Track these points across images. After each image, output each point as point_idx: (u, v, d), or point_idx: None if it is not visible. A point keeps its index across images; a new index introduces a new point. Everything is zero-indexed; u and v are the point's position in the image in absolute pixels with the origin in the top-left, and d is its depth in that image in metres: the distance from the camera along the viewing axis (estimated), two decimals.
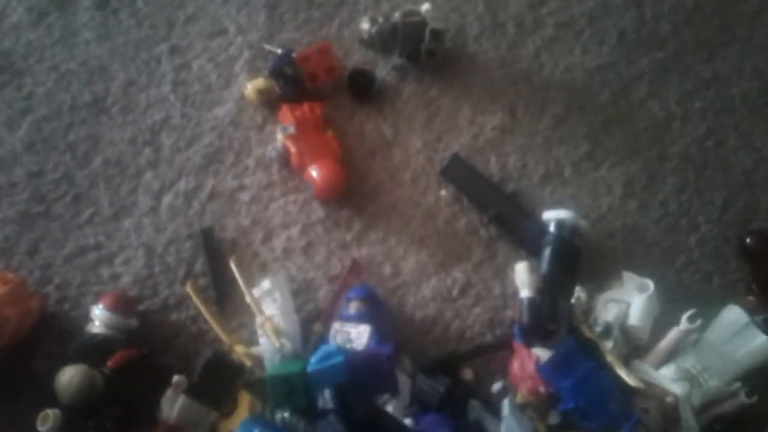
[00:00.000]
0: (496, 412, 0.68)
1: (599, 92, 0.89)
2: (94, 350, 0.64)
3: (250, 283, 0.72)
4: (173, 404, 0.64)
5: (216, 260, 0.75)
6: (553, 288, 0.71)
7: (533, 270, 0.72)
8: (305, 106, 0.79)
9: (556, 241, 0.73)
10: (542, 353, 0.69)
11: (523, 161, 0.83)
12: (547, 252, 0.73)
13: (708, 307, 0.74)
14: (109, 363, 0.62)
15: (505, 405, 0.68)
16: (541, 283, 0.71)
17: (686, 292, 0.78)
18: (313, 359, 0.63)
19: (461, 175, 0.80)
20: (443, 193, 0.80)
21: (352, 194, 0.80)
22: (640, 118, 0.88)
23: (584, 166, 0.84)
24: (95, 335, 0.66)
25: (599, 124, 0.87)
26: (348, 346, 0.67)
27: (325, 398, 0.59)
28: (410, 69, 0.87)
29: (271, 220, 0.78)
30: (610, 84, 0.89)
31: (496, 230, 0.79)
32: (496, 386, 0.70)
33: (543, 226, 0.76)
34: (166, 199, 0.78)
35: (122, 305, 0.69)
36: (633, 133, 0.87)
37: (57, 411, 0.58)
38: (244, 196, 0.79)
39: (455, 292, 0.77)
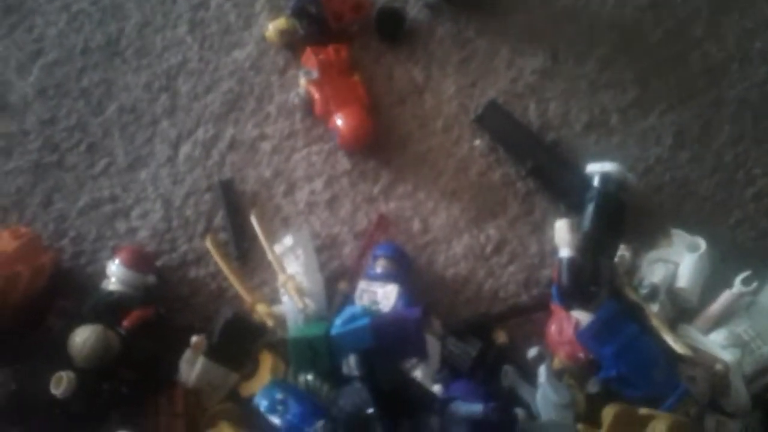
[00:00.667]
0: (531, 379, 0.65)
1: (650, 32, 0.81)
2: (110, 309, 0.61)
3: (272, 238, 0.68)
4: (192, 366, 0.62)
5: (236, 214, 0.71)
6: (596, 247, 0.66)
7: (574, 227, 0.66)
8: (330, 49, 0.74)
9: (600, 196, 0.67)
10: (582, 316, 0.64)
11: (565, 108, 0.77)
12: (590, 208, 0.67)
13: (763, 268, 0.68)
14: (125, 323, 0.60)
15: (542, 371, 0.64)
16: (582, 242, 0.66)
17: (740, 252, 0.73)
18: (338, 321, 0.59)
19: (498, 123, 0.74)
20: (477, 142, 0.75)
21: (380, 144, 0.75)
22: (694, 60, 0.80)
23: (632, 113, 0.78)
24: (111, 293, 0.63)
25: (650, 67, 0.79)
26: (375, 306, 0.63)
27: (350, 365, 0.56)
28: (444, 7, 0.80)
29: (293, 171, 0.74)
30: (663, 23, 0.81)
31: (534, 184, 0.73)
32: (532, 351, 0.66)
33: (586, 180, 0.70)
34: (184, 149, 0.74)
35: (139, 261, 0.65)
36: (686, 77, 0.79)
37: (71, 373, 0.55)
38: (266, 146, 0.75)
39: (489, 250, 0.72)
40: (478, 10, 0.80)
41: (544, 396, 0.63)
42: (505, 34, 0.79)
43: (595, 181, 0.69)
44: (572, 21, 0.81)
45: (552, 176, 0.72)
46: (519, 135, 0.74)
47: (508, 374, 0.64)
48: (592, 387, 0.63)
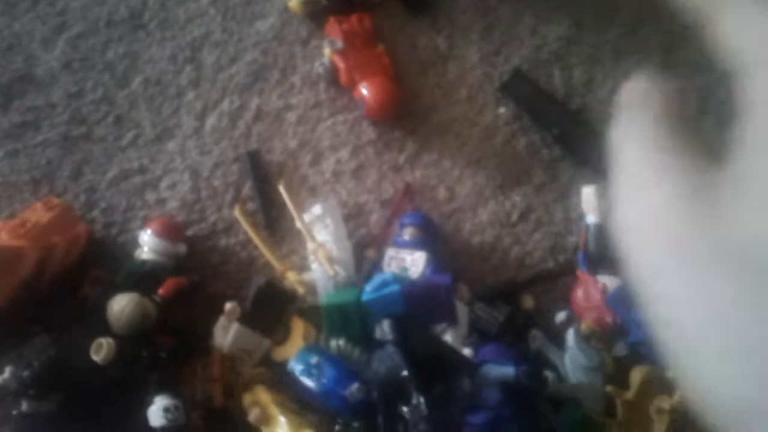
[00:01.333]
0: (558, 343, 0.66)
1: None
2: (144, 278, 0.63)
3: (300, 207, 0.69)
4: (226, 332, 0.63)
5: (264, 184, 0.72)
6: None
7: (601, 193, 0.67)
8: (354, 18, 0.73)
9: None
10: (608, 281, 0.65)
11: (589, 74, 0.77)
12: None
13: None
14: (161, 291, 0.61)
15: (570, 335, 0.65)
16: (609, 208, 0.66)
17: None
18: (368, 288, 0.60)
19: (523, 91, 0.74)
20: (502, 110, 0.75)
21: (404, 113, 0.75)
22: None
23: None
24: (144, 262, 0.64)
25: (675, 32, 0.79)
26: (404, 273, 0.64)
27: (384, 329, 0.57)
28: None
29: (319, 141, 0.74)
30: None
31: (560, 151, 0.74)
32: (561, 315, 0.67)
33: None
34: (210, 120, 0.74)
35: (170, 230, 0.66)
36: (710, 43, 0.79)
37: (111, 340, 0.57)
38: (291, 117, 0.75)
39: (514, 217, 0.73)
40: None
41: (573, 359, 0.64)
42: (528, 1, 0.79)
43: None
44: None
45: (578, 142, 0.72)
46: (544, 102, 0.74)
47: (537, 339, 0.65)
48: (620, 351, 0.64)
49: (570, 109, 0.75)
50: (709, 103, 0.50)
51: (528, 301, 0.68)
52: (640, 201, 0.26)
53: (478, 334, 0.65)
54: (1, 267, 0.57)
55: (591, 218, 0.66)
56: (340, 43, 0.72)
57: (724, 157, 0.27)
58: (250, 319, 0.64)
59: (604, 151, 0.67)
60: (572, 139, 0.72)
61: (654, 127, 0.28)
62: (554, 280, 0.70)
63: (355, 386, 0.56)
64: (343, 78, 0.73)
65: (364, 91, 0.72)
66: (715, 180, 0.25)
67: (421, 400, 0.53)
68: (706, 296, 0.23)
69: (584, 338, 0.65)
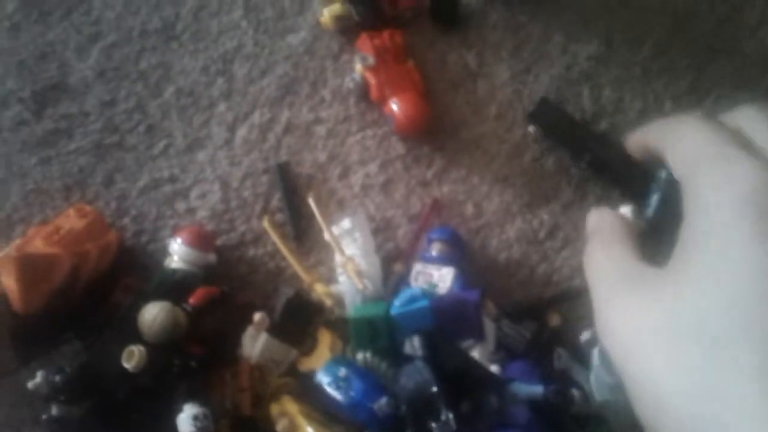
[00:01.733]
0: (583, 361, 0.65)
1: (705, 17, 0.81)
2: (175, 286, 0.63)
3: (329, 220, 0.69)
4: (255, 342, 0.64)
5: (293, 196, 0.73)
6: (660, 234, 0.66)
7: (635, 214, 0.67)
8: (385, 34, 0.74)
9: (667, 184, 0.67)
10: None
11: (619, 94, 0.77)
12: (655, 197, 0.67)
13: None
14: (191, 300, 0.61)
15: (595, 354, 0.65)
16: (646, 229, 0.66)
17: None
18: (397, 302, 0.61)
19: (551, 119, 0.74)
20: (532, 128, 0.75)
21: (433, 129, 0.75)
22: (749, 47, 0.80)
23: (686, 100, 0.77)
24: (175, 271, 0.65)
25: (704, 53, 0.79)
26: (433, 288, 0.64)
27: (414, 345, 0.57)
28: None
29: (348, 155, 0.75)
30: (717, 9, 0.81)
31: (592, 175, 0.74)
32: (585, 335, 0.66)
33: (647, 169, 0.69)
34: (241, 132, 0.75)
35: (200, 240, 0.67)
36: (742, 63, 0.79)
37: (142, 348, 0.57)
38: (321, 130, 0.76)
39: (542, 234, 0.73)
40: None
41: (598, 378, 0.64)
42: (559, 19, 0.79)
43: (663, 173, 0.68)
44: (626, 6, 0.80)
45: (608, 166, 0.72)
46: (572, 129, 0.74)
47: (562, 357, 0.65)
48: None
49: (596, 133, 0.74)
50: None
51: (555, 319, 0.68)
52: (610, 309, 0.37)
53: (506, 351, 0.65)
54: (36, 274, 0.58)
55: None
56: (371, 59, 0.73)
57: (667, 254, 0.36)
58: (278, 329, 0.64)
59: (634, 174, 0.66)
60: (602, 164, 0.71)
61: (611, 250, 0.42)
62: (581, 298, 0.70)
63: (384, 400, 0.56)
64: (374, 93, 0.73)
65: (394, 106, 0.72)
66: (664, 273, 0.35)
67: (450, 416, 0.53)
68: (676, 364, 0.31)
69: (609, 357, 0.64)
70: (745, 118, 0.38)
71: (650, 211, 0.66)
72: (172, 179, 0.74)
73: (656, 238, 0.66)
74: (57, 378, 0.58)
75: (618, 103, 0.77)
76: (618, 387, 0.64)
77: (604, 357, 0.65)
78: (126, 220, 0.72)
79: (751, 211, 0.31)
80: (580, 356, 0.66)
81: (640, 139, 0.49)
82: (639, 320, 0.34)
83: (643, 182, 0.66)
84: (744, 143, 0.35)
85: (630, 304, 0.35)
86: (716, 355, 0.29)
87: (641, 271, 0.37)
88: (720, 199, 0.33)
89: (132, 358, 0.57)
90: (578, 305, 0.70)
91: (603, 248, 0.43)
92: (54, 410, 0.58)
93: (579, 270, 0.72)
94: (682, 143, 0.38)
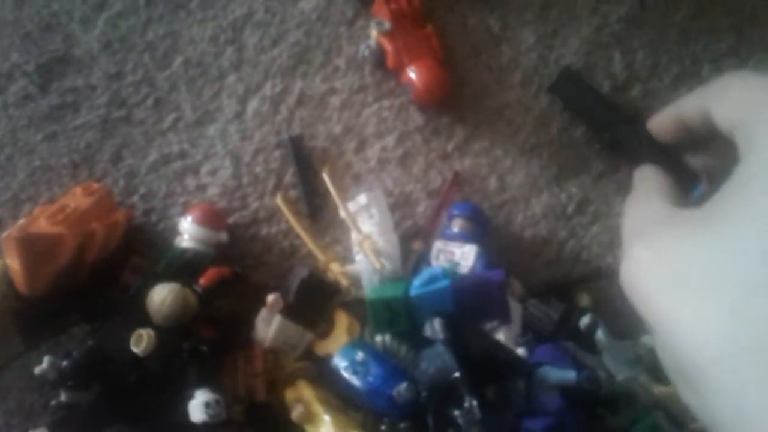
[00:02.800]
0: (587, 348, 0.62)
1: None
2: (185, 267, 0.61)
3: (344, 196, 0.66)
4: (268, 324, 0.61)
5: (307, 171, 0.69)
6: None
7: None
8: None
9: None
10: None
11: (653, 58, 0.72)
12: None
13: None
14: (202, 281, 0.59)
15: (600, 335, 0.62)
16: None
17: None
18: (416, 282, 0.57)
19: (573, 92, 0.69)
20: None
21: (454, 98, 0.71)
22: None
23: (726, 63, 0.72)
24: (185, 250, 0.62)
25: (746, 13, 0.74)
26: (456, 267, 0.61)
27: (435, 328, 0.54)
28: None
29: (364, 127, 0.71)
30: None
31: (613, 156, 0.69)
32: (585, 320, 0.62)
33: (669, 154, 0.64)
34: (252, 104, 0.72)
35: (212, 218, 0.64)
36: None
37: (151, 331, 0.55)
38: (335, 101, 0.72)
39: (570, 209, 0.69)
40: None
41: (614, 356, 0.61)
42: None
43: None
44: None
45: (628, 149, 0.66)
46: (595, 104, 0.68)
47: (601, 340, 0.62)
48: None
49: (622, 112, 0.69)
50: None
51: (584, 299, 0.65)
52: (640, 243, 0.34)
53: (533, 333, 0.61)
54: (40, 255, 0.55)
55: None
56: (387, 25, 0.69)
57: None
58: (293, 311, 0.61)
59: (663, 160, 0.60)
60: (622, 145, 0.66)
61: (659, 193, 0.41)
62: (612, 277, 0.66)
63: (403, 386, 0.53)
64: (391, 61, 0.69)
65: (412, 74, 0.68)
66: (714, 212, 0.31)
67: (474, 403, 0.50)
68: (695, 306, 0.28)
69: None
70: None
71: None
72: (182, 155, 0.71)
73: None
74: (64, 363, 0.56)
75: (652, 68, 0.72)
76: (634, 361, 0.60)
77: (610, 335, 0.61)
78: (135, 198, 0.69)
79: None
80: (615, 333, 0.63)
81: (671, 114, 0.46)
82: (670, 256, 0.30)
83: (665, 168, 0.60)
84: None
85: (661, 236, 0.32)
86: (756, 303, 0.25)
87: (678, 211, 0.35)
88: None
89: (141, 342, 0.55)
90: (609, 285, 0.66)
91: (641, 196, 0.42)
92: (63, 396, 0.57)
93: (610, 247, 0.68)
94: (730, 95, 0.36)
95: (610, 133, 0.66)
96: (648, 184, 0.44)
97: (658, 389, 0.58)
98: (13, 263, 0.56)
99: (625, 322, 0.63)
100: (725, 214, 0.29)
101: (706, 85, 0.40)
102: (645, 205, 0.39)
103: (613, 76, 0.71)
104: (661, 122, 0.49)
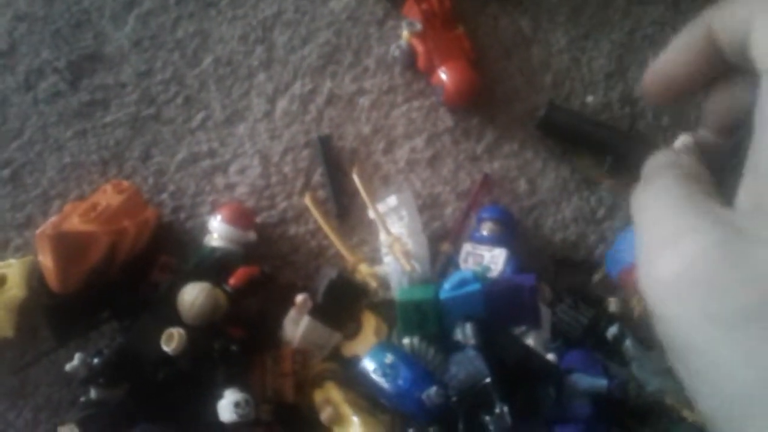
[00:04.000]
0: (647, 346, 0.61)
1: None
2: (215, 266, 0.61)
3: (374, 197, 0.66)
4: (296, 325, 0.61)
5: (335, 171, 0.69)
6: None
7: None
8: None
9: None
10: None
11: None
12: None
13: None
14: (232, 281, 0.59)
15: (628, 345, 0.61)
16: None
17: None
18: (447, 285, 0.57)
19: (563, 123, 0.67)
20: (590, 99, 0.70)
21: (484, 100, 0.71)
22: None
23: None
24: (214, 249, 0.62)
25: None
26: (487, 272, 0.61)
27: (466, 332, 0.53)
28: None
29: (393, 128, 0.71)
30: None
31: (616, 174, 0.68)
32: (612, 330, 0.61)
33: None
34: (281, 104, 0.72)
35: (241, 217, 0.64)
36: None
37: (181, 330, 0.55)
38: (364, 101, 0.72)
39: (600, 213, 0.68)
40: None
41: (643, 367, 0.60)
42: None
43: None
44: None
45: (633, 164, 0.65)
46: (590, 129, 0.67)
47: (629, 349, 0.61)
48: None
49: (618, 130, 0.68)
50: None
51: (614, 304, 0.64)
52: (673, 252, 0.24)
53: (562, 338, 0.61)
54: (73, 253, 0.56)
55: None
56: (418, 25, 0.69)
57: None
58: (321, 312, 0.61)
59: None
60: (626, 163, 0.65)
61: (678, 186, 0.27)
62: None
63: (433, 390, 0.53)
64: (422, 62, 0.69)
65: (442, 75, 0.68)
66: (746, 224, 0.23)
67: (505, 409, 0.50)
68: (756, 358, 0.21)
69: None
70: None
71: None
72: (211, 153, 0.71)
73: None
74: (95, 361, 0.56)
75: None
76: (666, 370, 0.60)
77: (638, 345, 0.61)
78: (164, 196, 0.70)
79: None
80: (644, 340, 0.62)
81: (696, 34, 0.29)
82: (717, 279, 0.22)
83: None
84: None
85: (684, 226, 0.24)
86: None
87: (701, 199, 0.26)
88: None
89: (172, 340, 0.55)
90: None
91: (654, 182, 0.29)
92: (92, 393, 0.57)
93: None
94: None
95: (611, 155, 0.65)
96: (661, 169, 0.30)
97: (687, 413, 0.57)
98: (46, 260, 0.56)
99: (654, 330, 0.62)
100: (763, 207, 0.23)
101: None
102: (662, 189, 0.28)
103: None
104: (674, 58, 0.30)
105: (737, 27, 0.26)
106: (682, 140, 0.35)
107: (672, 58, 0.30)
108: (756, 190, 0.23)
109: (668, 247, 0.24)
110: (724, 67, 0.28)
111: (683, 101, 0.34)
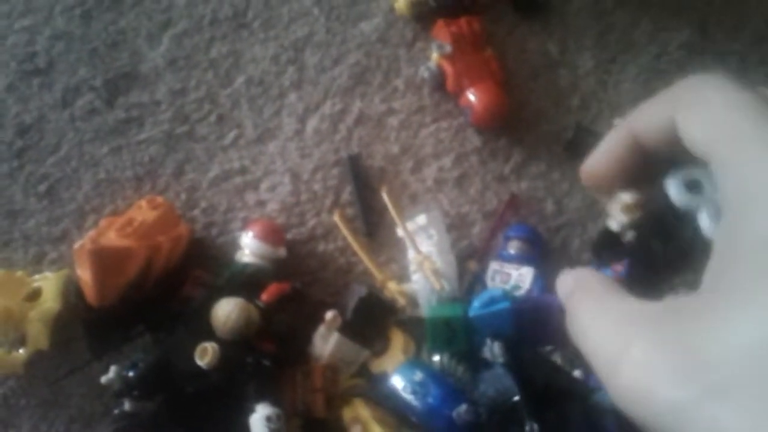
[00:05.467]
0: None
1: None
2: (247, 282, 0.62)
3: (402, 215, 0.67)
4: (326, 341, 0.62)
5: (364, 189, 0.70)
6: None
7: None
8: (462, 21, 0.71)
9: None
10: None
11: None
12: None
13: None
14: (264, 297, 0.60)
15: None
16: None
17: None
18: (476, 303, 0.58)
19: (590, 146, 0.68)
20: (617, 121, 0.71)
21: (512, 121, 0.72)
22: None
23: None
24: (246, 265, 0.64)
25: None
26: (515, 291, 0.61)
27: (495, 351, 0.54)
28: None
29: (421, 148, 0.72)
30: None
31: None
32: None
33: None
34: (311, 123, 0.73)
35: (271, 234, 0.65)
36: None
37: (215, 345, 0.56)
38: (393, 121, 0.73)
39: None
40: None
41: None
42: (646, 4, 0.75)
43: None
44: None
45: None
46: None
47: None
48: None
49: None
50: None
51: None
52: (627, 363, 0.25)
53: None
54: (111, 267, 0.57)
55: None
56: (448, 47, 0.70)
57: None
58: (350, 328, 0.62)
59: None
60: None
61: (600, 303, 0.29)
62: None
63: (463, 407, 0.53)
64: (451, 83, 0.70)
65: (471, 97, 0.69)
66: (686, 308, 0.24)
67: (535, 427, 0.50)
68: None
69: None
70: None
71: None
72: (243, 171, 0.72)
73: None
74: (131, 373, 0.57)
75: None
76: None
77: None
78: (196, 212, 0.71)
79: None
80: None
81: (619, 138, 0.32)
82: (667, 365, 0.23)
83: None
84: None
85: (654, 345, 0.24)
86: None
87: (660, 305, 0.26)
88: None
89: (206, 355, 0.56)
90: None
91: (592, 300, 0.30)
92: (126, 405, 0.58)
93: None
94: (705, 108, 0.27)
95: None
96: (592, 285, 0.32)
97: None
98: (84, 274, 0.58)
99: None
100: (732, 296, 0.23)
101: (672, 89, 0.30)
102: (606, 306, 0.29)
103: None
104: (601, 159, 0.34)
105: (661, 125, 0.29)
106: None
107: (599, 159, 0.34)
108: (719, 268, 0.25)
109: (622, 361, 0.25)
110: (645, 165, 0.31)
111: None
